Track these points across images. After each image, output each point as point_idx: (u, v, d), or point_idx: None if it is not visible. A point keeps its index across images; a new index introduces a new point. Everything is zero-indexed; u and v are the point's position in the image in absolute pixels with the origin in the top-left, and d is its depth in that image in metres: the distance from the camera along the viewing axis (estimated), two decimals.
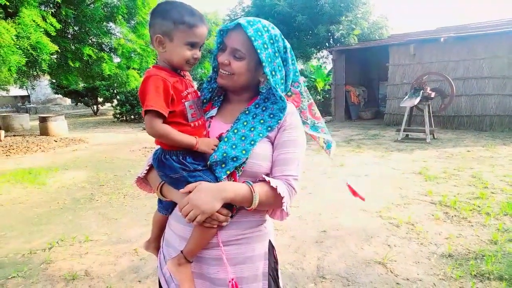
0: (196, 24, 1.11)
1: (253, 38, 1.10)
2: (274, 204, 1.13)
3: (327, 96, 15.77)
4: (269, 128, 1.16)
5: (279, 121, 1.17)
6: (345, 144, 8.94)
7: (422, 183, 5.23)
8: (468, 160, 6.59)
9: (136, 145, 9.45)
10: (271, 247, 1.26)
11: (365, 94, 15.68)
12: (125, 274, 2.92)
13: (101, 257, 3.21)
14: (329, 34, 15.44)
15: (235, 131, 1.15)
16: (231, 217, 1.14)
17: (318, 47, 17.04)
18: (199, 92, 1.28)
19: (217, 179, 1.12)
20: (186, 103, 1.14)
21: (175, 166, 1.13)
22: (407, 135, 9.41)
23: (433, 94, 8.98)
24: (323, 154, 7.60)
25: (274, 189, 1.10)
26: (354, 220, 3.93)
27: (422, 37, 12.23)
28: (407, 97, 9.04)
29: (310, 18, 14.81)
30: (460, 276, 2.73)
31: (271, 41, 1.14)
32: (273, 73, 1.15)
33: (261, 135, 1.14)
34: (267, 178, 1.12)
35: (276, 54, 1.16)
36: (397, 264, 2.95)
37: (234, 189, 1.08)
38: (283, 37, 1.20)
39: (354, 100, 14.86)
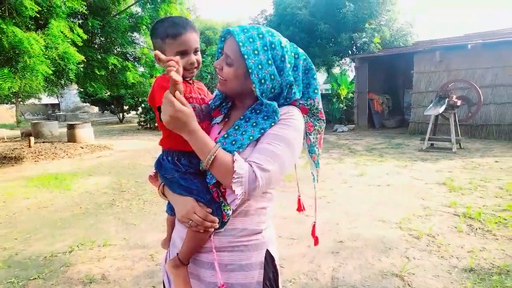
0: (179, 33, 1.16)
1: (241, 44, 1.08)
2: (224, 172, 1.03)
3: (350, 104, 15.59)
4: (261, 131, 1.11)
5: (272, 124, 1.11)
6: (367, 153, 8.79)
7: (446, 194, 5.07)
8: (496, 171, 6.34)
9: (159, 152, 9.53)
10: (270, 257, 1.24)
11: (389, 102, 15.40)
12: (140, 279, 2.96)
13: (118, 262, 3.27)
14: (352, 42, 15.32)
15: (226, 136, 1.14)
16: (223, 224, 1.15)
17: (341, 55, 16.91)
18: (207, 100, 1.31)
19: (207, 185, 1.14)
20: None
21: (168, 167, 1.18)
22: (432, 145, 9.15)
23: (459, 102, 8.71)
24: (344, 163, 7.51)
25: (233, 162, 1.03)
26: (372, 230, 3.84)
27: (448, 43, 11.95)
28: (431, 105, 8.83)
29: (332, 26, 14.73)
30: None
31: (265, 47, 1.10)
32: (262, 81, 1.10)
33: (251, 138, 1.10)
34: (236, 154, 1.06)
35: (269, 62, 1.11)
36: (415, 277, 2.85)
37: (201, 133, 1.04)
38: (283, 45, 1.14)
39: (378, 108, 14.62)
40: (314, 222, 1.40)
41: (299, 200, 1.46)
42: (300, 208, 1.46)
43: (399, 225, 3.96)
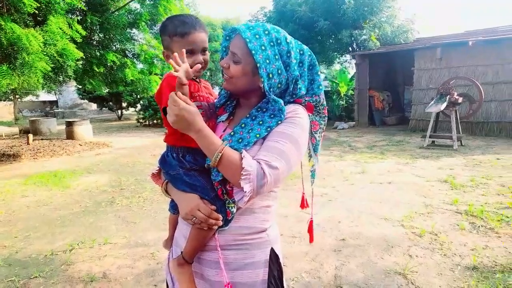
0: (188, 32, 1.18)
1: (247, 40, 1.09)
2: (233, 170, 1.03)
3: (350, 101, 15.54)
4: (268, 129, 1.11)
5: (279, 122, 1.11)
6: (367, 150, 8.77)
7: (447, 192, 5.05)
8: (497, 168, 6.32)
9: (158, 149, 9.58)
10: (275, 256, 1.24)
11: (389, 99, 15.34)
12: (141, 277, 2.94)
13: (119, 260, 3.24)
14: (352, 38, 15.24)
15: (232, 133, 1.14)
16: (227, 222, 1.15)
17: (341, 51, 16.85)
18: (213, 98, 1.32)
19: (212, 182, 1.14)
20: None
21: (173, 163, 1.19)
22: (433, 142, 9.14)
23: (460, 99, 8.69)
24: (345, 160, 7.48)
25: (241, 159, 1.03)
26: (374, 228, 3.82)
27: (449, 40, 11.90)
28: (432, 102, 8.80)
29: (332, 23, 14.65)
30: None
31: (271, 43, 1.11)
32: (270, 76, 1.11)
33: (258, 135, 1.10)
34: (244, 152, 1.06)
35: (277, 57, 1.12)
36: (419, 275, 2.83)
37: (208, 131, 1.05)
38: (289, 41, 1.16)
39: (378, 105, 14.58)
40: (311, 219, 1.40)
41: (303, 197, 1.46)
42: (303, 205, 1.46)
43: (401, 223, 3.94)
